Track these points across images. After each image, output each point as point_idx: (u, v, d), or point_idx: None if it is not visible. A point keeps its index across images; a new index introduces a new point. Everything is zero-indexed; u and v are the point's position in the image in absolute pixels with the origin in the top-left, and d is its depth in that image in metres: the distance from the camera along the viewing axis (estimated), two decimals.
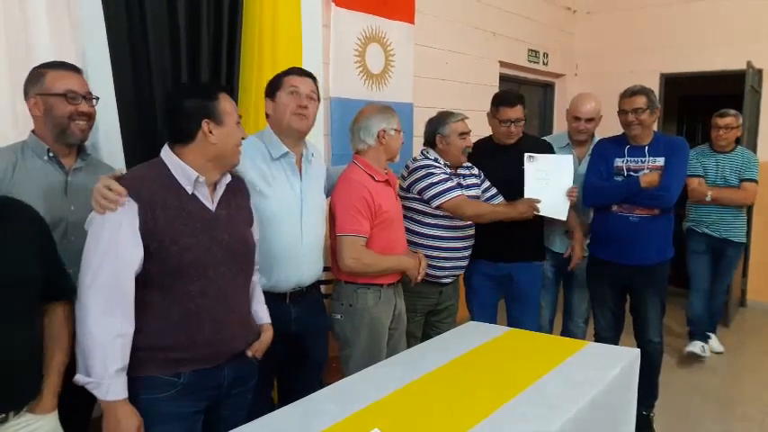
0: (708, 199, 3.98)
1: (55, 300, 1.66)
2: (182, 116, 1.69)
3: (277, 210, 2.17)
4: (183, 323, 1.65)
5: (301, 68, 2.34)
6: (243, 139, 1.79)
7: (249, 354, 1.85)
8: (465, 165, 2.91)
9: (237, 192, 1.88)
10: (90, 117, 1.94)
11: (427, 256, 2.64)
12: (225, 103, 1.73)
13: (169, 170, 1.69)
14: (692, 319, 4.16)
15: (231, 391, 1.81)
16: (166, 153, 1.73)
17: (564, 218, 2.93)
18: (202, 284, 1.68)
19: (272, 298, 2.11)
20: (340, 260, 2.37)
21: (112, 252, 1.58)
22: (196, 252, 1.66)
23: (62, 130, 1.88)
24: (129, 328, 1.61)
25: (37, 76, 1.88)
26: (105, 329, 1.56)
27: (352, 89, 3.63)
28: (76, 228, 1.86)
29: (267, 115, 2.26)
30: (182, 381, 1.68)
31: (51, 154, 1.89)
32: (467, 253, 2.87)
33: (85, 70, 2.35)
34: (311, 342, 2.35)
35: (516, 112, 2.93)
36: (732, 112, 4.09)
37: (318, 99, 2.29)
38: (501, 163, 2.95)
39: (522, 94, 3.48)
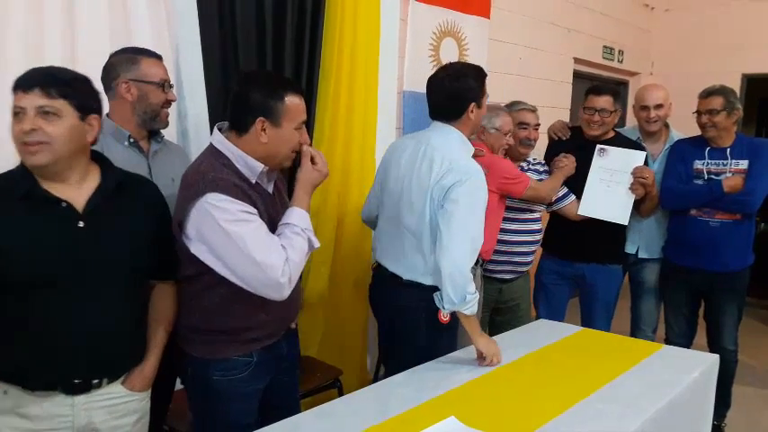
0: None
1: (163, 279, 1.72)
2: (243, 106, 1.66)
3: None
4: (263, 305, 1.70)
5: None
6: (305, 145, 1.74)
7: (293, 325, 1.93)
8: (529, 160, 2.88)
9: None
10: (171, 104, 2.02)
11: None
12: (289, 104, 1.66)
13: (229, 160, 1.66)
14: None
15: (287, 360, 1.88)
16: (222, 142, 1.68)
17: (625, 222, 2.84)
18: None
19: None
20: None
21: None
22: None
23: (154, 116, 1.93)
24: None
25: (131, 60, 1.90)
26: None
27: (425, 83, 3.64)
28: None
29: None
30: (254, 360, 1.75)
31: (132, 140, 1.92)
32: (528, 248, 2.83)
33: (177, 59, 2.48)
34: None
35: (602, 101, 2.86)
36: None
37: None
38: (583, 156, 2.89)
39: (617, 89, 3.39)
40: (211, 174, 1.61)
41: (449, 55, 3.79)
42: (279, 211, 1.77)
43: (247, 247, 1.57)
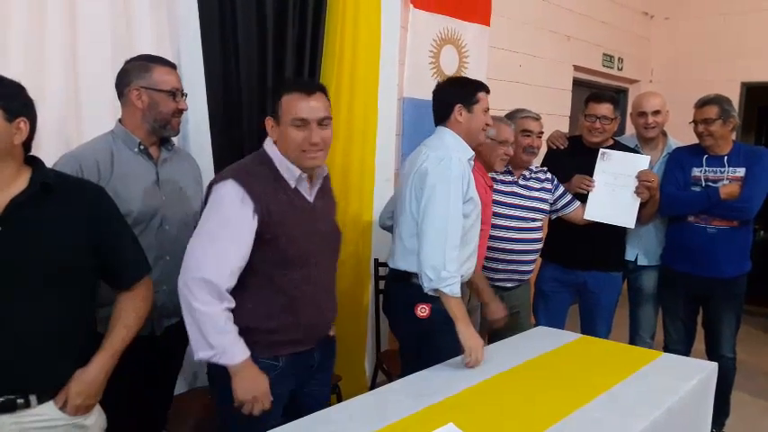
0: None
1: (114, 287, 1.63)
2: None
3: (478, 205, 2.26)
4: (289, 308, 1.73)
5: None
6: (311, 143, 1.71)
7: (331, 333, 1.95)
8: (534, 169, 2.89)
9: (325, 180, 1.91)
10: (182, 113, 2.02)
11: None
12: (285, 103, 1.70)
13: (274, 164, 1.74)
14: None
15: (319, 370, 1.89)
16: (270, 146, 1.76)
17: (632, 225, 2.86)
18: (306, 272, 1.75)
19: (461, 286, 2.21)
20: None
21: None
22: (301, 242, 1.73)
23: (164, 125, 1.94)
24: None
25: (143, 68, 1.91)
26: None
27: (425, 90, 3.64)
28: (170, 217, 1.96)
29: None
30: (280, 365, 1.75)
31: (142, 146, 1.93)
32: (528, 257, 2.83)
33: (179, 65, 2.49)
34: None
35: (602, 109, 2.89)
36: None
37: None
38: (583, 163, 2.90)
39: (616, 97, 3.42)
40: (243, 165, 1.73)
41: (449, 62, 3.80)
42: (317, 224, 1.79)
43: (204, 239, 1.64)
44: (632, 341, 3.20)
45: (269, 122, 1.75)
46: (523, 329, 2.74)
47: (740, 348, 3.13)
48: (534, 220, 2.81)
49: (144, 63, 1.94)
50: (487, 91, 2.31)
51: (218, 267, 1.62)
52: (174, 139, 2.43)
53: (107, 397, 1.60)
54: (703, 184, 2.88)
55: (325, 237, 1.83)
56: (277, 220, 1.68)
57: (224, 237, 1.63)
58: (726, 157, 2.87)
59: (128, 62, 1.96)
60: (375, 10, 3.11)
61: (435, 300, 2.14)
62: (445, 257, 2.05)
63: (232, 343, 1.64)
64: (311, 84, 1.82)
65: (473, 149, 2.47)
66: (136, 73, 1.91)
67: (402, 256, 2.24)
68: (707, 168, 2.89)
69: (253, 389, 1.66)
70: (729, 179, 2.84)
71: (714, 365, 2.10)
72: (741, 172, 2.83)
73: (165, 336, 1.98)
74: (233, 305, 1.66)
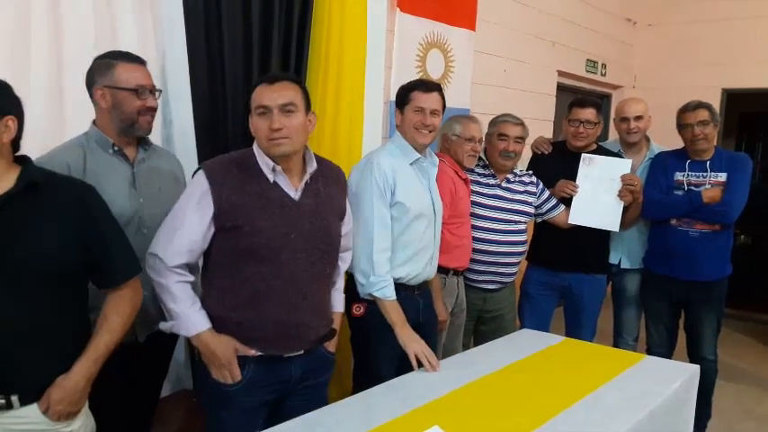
0: None
1: (101, 286, 1.61)
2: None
3: (419, 209, 2.27)
4: (253, 301, 1.73)
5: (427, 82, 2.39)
6: (272, 129, 1.71)
7: (330, 349, 1.93)
8: (518, 172, 2.91)
9: (332, 182, 1.91)
10: (155, 110, 1.94)
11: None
12: (253, 96, 1.75)
13: (255, 159, 1.77)
14: None
15: (302, 383, 1.85)
16: (256, 144, 1.80)
17: (616, 229, 2.89)
18: (275, 266, 1.74)
19: (404, 288, 2.27)
20: None
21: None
22: (269, 235, 1.72)
23: (130, 124, 1.87)
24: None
25: (106, 66, 1.84)
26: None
27: None
28: (148, 220, 1.90)
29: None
30: (247, 375, 1.74)
31: (116, 147, 1.87)
32: (512, 259, 2.84)
33: (164, 67, 2.48)
34: (431, 332, 2.44)
35: (586, 113, 2.93)
36: None
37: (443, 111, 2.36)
38: (567, 167, 2.93)
39: (600, 102, 3.47)
40: (221, 156, 1.81)
41: (435, 66, 3.82)
42: (298, 221, 1.77)
43: (165, 220, 1.75)
44: (616, 344, 3.23)
45: (250, 119, 1.78)
46: (508, 332, 2.76)
47: (721, 351, 3.17)
48: (517, 222, 2.83)
49: (107, 61, 1.86)
50: (427, 89, 2.27)
51: (168, 247, 1.71)
52: (158, 141, 2.43)
53: (92, 402, 1.58)
54: (686, 188, 2.92)
55: (310, 236, 1.79)
56: (239, 210, 1.70)
57: (177, 219, 1.72)
58: (708, 162, 2.91)
59: (94, 60, 1.89)
60: (361, 13, 3.11)
61: (372, 300, 2.21)
62: (373, 262, 2.12)
63: (187, 314, 1.70)
64: (277, 75, 1.86)
65: (446, 148, 2.66)
66: (99, 72, 1.85)
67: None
68: (689, 173, 2.93)
69: (220, 359, 1.71)
70: (711, 183, 2.88)
71: (696, 368, 2.13)
72: (723, 177, 2.87)
73: (149, 342, 1.93)
74: (190, 279, 1.74)
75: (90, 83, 1.87)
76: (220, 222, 1.71)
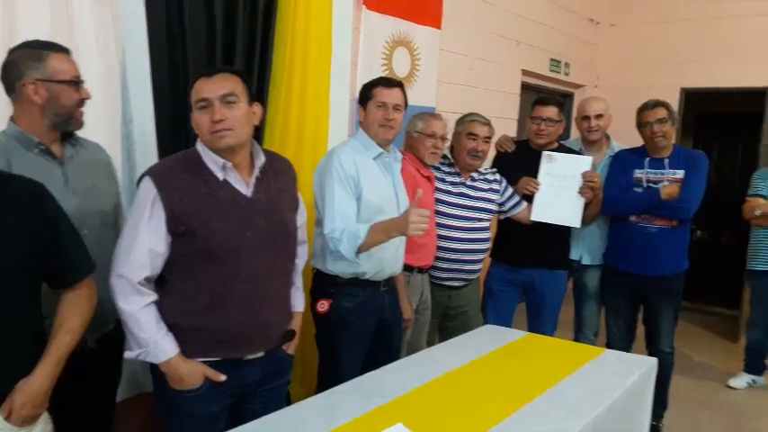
0: (757, 213, 3.75)
1: (54, 286, 1.57)
2: None
3: (380, 203, 2.27)
4: (212, 305, 1.70)
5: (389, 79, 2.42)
6: (213, 121, 1.68)
7: (290, 351, 1.91)
8: (482, 170, 2.94)
9: (282, 174, 1.88)
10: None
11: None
12: (195, 91, 1.70)
13: (201, 158, 1.73)
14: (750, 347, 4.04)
15: (261, 387, 1.84)
16: (199, 142, 1.76)
17: (577, 225, 2.94)
18: (233, 268, 1.71)
19: (370, 285, 2.30)
20: None
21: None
22: (225, 236, 1.69)
23: (67, 119, 1.76)
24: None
25: (36, 57, 1.69)
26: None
27: None
28: (88, 219, 1.80)
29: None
30: (207, 381, 1.72)
31: (42, 146, 1.73)
32: (476, 256, 2.88)
33: (124, 62, 2.43)
34: (397, 329, 2.46)
35: (548, 111, 2.98)
36: None
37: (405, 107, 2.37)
38: (530, 165, 2.98)
39: (562, 100, 3.53)
40: (165, 160, 1.77)
41: (401, 64, 3.83)
42: (253, 218, 1.74)
43: (121, 237, 1.70)
44: (577, 338, 3.29)
45: (191, 117, 1.74)
46: (473, 328, 2.78)
47: (679, 343, 3.26)
48: (481, 220, 2.87)
49: (36, 51, 1.71)
50: (389, 85, 2.30)
51: (130, 262, 1.65)
52: (117, 138, 2.37)
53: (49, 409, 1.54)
54: (645, 185, 2.99)
55: (267, 233, 1.77)
56: (192, 213, 1.66)
57: (132, 232, 1.67)
58: (666, 160, 2.99)
59: (13, 51, 1.72)
60: (326, 11, 3.10)
61: (337, 296, 2.23)
62: (340, 240, 2.12)
63: (155, 340, 1.65)
64: (216, 67, 1.85)
65: (409, 145, 2.70)
66: (28, 64, 1.69)
67: (312, 253, 2.33)
68: (649, 170, 3.00)
69: (184, 384, 1.69)
70: (670, 180, 2.95)
71: (654, 361, 2.18)
72: (681, 174, 2.95)
73: (100, 346, 1.87)
74: (153, 298, 1.69)
75: (15, 77, 1.70)
76: (173, 227, 1.67)
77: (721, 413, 3.64)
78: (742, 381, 4.03)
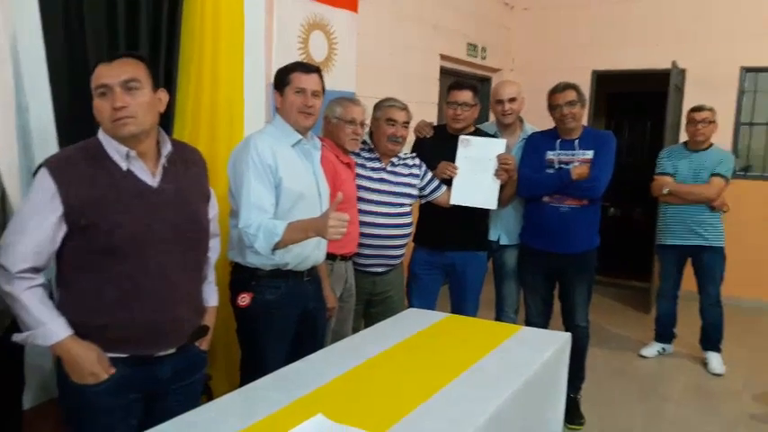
0: (665, 192, 3.94)
1: None
2: None
3: (300, 190, 2.22)
4: (120, 302, 1.63)
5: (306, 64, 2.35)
6: (114, 108, 1.61)
7: (203, 347, 1.86)
8: (402, 155, 2.95)
9: (192, 164, 1.82)
10: None
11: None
12: (95, 77, 1.64)
13: (103, 147, 1.65)
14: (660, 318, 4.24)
15: (174, 384, 1.78)
16: (101, 131, 1.68)
17: (494, 206, 3.01)
18: (140, 262, 1.64)
19: (292, 276, 2.26)
20: None
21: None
22: (129, 229, 1.62)
23: None
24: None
25: None
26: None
27: None
28: None
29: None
30: (115, 375, 1.65)
31: None
32: (398, 242, 2.89)
33: (15, 47, 2.26)
34: (321, 319, 2.43)
35: (463, 95, 3.01)
36: (707, 106, 3.93)
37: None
38: (448, 150, 3.01)
39: (477, 85, 3.58)
40: (63, 150, 1.67)
41: (318, 48, 3.77)
42: (161, 210, 1.67)
43: (10, 225, 1.62)
44: (498, 317, 3.38)
45: (93, 105, 1.65)
46: (396, 313, 2.80)
47: (595, 316, 3.41)
48: (402, 205, 2.88)
49: None
50: (307, 71, 2.26)
51: (10, 252, 1.59)
52: (12, 129, 2.21)
53: None
54: (556, 166, 3.09)
55: (176, 225, 1.71)
56: (93, 206, 1.59)
57: (20, 223, 1.60)
58: (576, 141, 3.09)
59: None
60: None
61: (259, 289, 2.21)
62: (250, 215, 2.08)
63: (43, 322, 1.58)
64: (117, 53, 1.76)
65: (328, 131, 2.66)
66: None
67: (229, 246, 2.29)
68: (560, 151, 3.10)
69: (84, 367, 1.61)
70: (580, 161, 3.06)
71: (568, 336, 2.27)
72: (590, 154, 3.06)
73: None
74: (40, 281, 1.62)
75: None
76: (73, 221, 1.59)
77: (634, 381, 3.85)
78: (653, 350, 4.27)
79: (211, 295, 1.95)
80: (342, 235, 1.97)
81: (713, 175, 3.88)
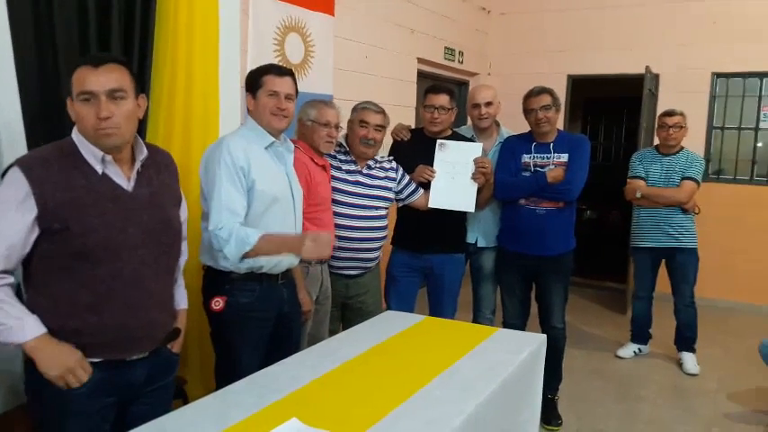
0: (638, 195, 3.99)
1: None
2: None
3: (274, 193, 2.20)
4: (93, 306, 1.60)
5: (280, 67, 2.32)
6: (99, 118, 1.58)
7: (175, 350, 1.84)
8: (378, 158, 2.94)
9: (163, 168, 1.81)
10: None
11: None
12: (74, 79, 1.60)
13: (78, 149, 1.62)
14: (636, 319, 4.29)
15: (147, 387, 1.76)
16: (76, 132, 1.64)
17: (472, 210, 3.02)
18: (115, 267, 1.62)
19: (267, 279, 2.23)
20: None
21: None
22: (104, 233, 1.60)
23: None
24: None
25: None
26: None
27: None
28: None
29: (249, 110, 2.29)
30: (92, 379, 1.62)
31: None
32: (372, 245, 2.88)
33: None
34: (296, 322, 2.41)
35: (440, 99, 3.02)
36: (678, 110, 4.01)
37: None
38: (425, 153, 3.01)
39: (453, 89, 3.59)
40: (37, 151, 1.61)
41: (294, 51, 3.76)
42: (135, 214, 1.65)
43: None
44: (475, 319, 3.39)
45: (68, 103, 1.62)
46: (373, 315, 2.79)
47: (572, 317, 3.43)
48: (377, 208, 2.87)
49: None
50: (280, 73, 2.24)
51: None
52: None
53: None
54: (532, 169, 3.11)
55: (150, 229, 1.69)
56: (68, 208, 1.56)
57: None
58: (552, 144, 3.11)
59: None
60: None
61: (233, 292, 2.18)
62: (221, 217, 2.07)
63: (14, 318, 1.54)
64: (102, 56, 1.73)
65: (302, 134, 2.64)
66: None
67: (201, 250, 2.26)
68: (535, 155, 3.12)
69: (61, 360, 1.57)
70: (555, 164, 3.08)
71: (543, 337, 2.27)
72: (565, 157, 3.09)
73: None
74: (9, 280, 1.57)
75: None
76: (46, 224, 1.56)
77: (611, 381, 3.88)
78: (629, 350, 4.31)
79: (182, 298, 1.93)
80: (317, 257, 1.98)
81: (684, 178, 3.94)
